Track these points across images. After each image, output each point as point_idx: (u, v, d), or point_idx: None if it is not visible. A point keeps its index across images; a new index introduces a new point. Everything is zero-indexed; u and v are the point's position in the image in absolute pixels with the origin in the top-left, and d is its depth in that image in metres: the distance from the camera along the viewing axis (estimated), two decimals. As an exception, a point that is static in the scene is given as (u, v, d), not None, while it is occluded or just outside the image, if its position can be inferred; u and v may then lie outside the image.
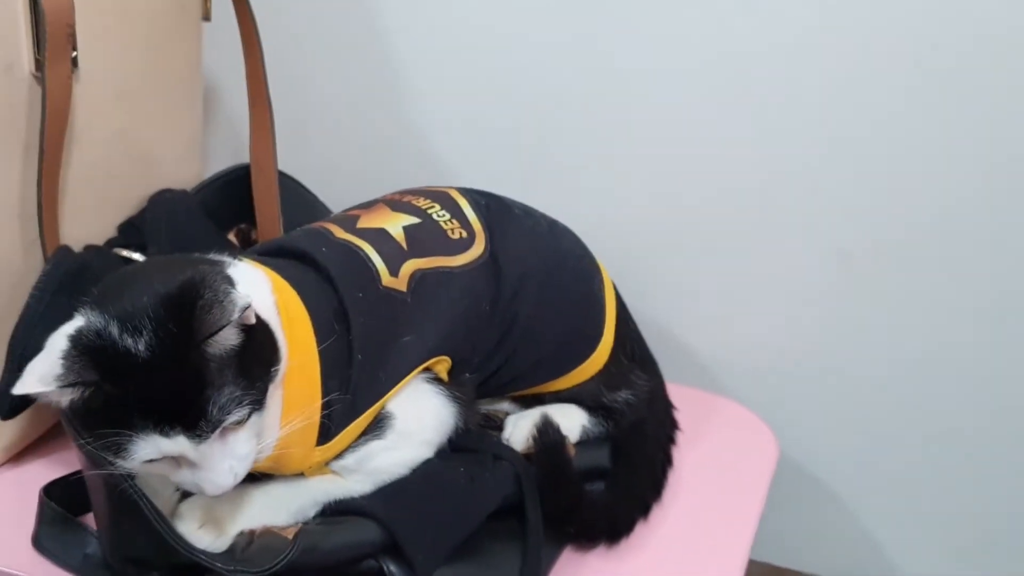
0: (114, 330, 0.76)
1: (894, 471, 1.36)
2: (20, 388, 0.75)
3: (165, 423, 0.75)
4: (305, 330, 0.88)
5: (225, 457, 0.79)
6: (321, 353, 0.88)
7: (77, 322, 0.79)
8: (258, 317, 0.81)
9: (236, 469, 0.80)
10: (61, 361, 0.76)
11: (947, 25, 1.13)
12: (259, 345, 0.81)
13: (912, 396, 1.32)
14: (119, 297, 0.79)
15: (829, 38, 1.18)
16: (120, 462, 0.78)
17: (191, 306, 0.77)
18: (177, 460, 0.79)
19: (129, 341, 0.76)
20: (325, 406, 0.88)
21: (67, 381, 0.75)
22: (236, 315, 0.76)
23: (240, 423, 0.79)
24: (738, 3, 1.20)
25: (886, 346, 1.30)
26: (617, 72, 1.28)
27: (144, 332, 0.76)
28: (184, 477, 0.80)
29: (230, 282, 0.81)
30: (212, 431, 0.77)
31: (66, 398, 0.76)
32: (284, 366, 0.84)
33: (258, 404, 0.80)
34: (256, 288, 0.85)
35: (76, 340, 0.77)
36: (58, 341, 0.78)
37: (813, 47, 1.19)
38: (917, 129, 1.19)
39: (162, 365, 0.76)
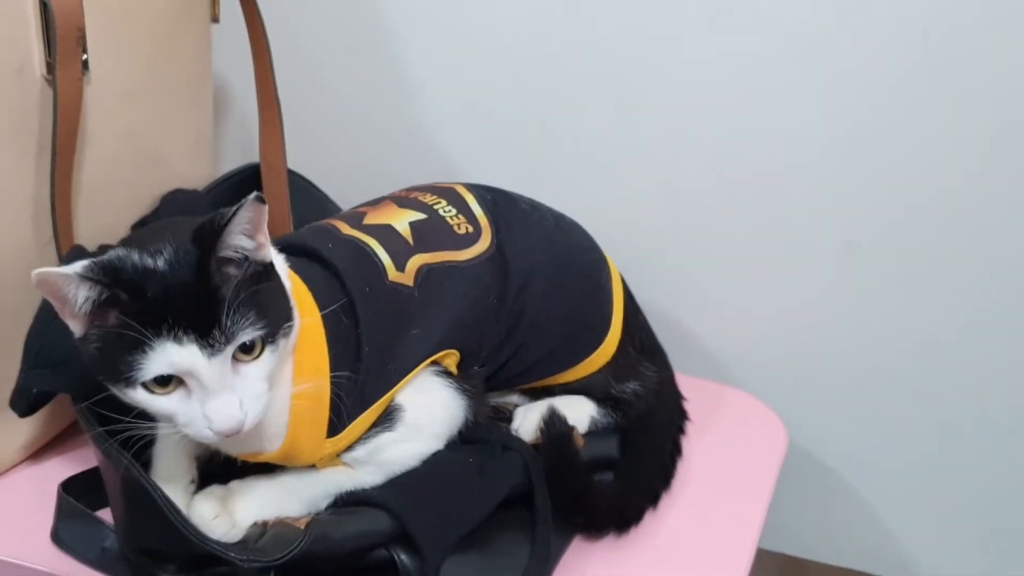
0: (134, 255, 0.79)
1: (905, 460, 1.36)
2: (45, 269, 0.76)
3: (179, 328, 0.76)
4: (314, 319, 0.90)
5: (237, 387, 0.80)
6: (329, 343, 0.90)
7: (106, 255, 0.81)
8: (274, 269, 0.84)
9: (247, 406, 0.80)
10: (83, 263, 0.78)
11: (955, 14, 1.14)
12: (275, 292, 0.83)
13: (923, 385, 1.32)
14: (142, 237, 0.83)
15: (835, 29, 1.19)
16: (129, 391, 0.79)
17: (211, 222, 0.79)
18: (187, 390, 0.79)
19: (148, 260, 0.79)
20: (335, 397, 0.90)
21: (89, 275, 0.76)
22: (247, 201, 0.78)
23: (254, 353, 0.80)
24: (744, 9, 1.21)
25: (896, 334, 1.30)
26: (623, 66, 1.29)
27: (164, 252, 0.79)
28: (192, 411, 0.79)
29: None
30: (226, 344, 0.78)
31: (84, 300, 0.77)
32: (297, 326, 0.86)
33: (271, 338, 0.81)
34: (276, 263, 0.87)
35: (97, 261, 0.79)
36: (83, 260, 0.80)
37: (819, 39, 1.20)
38: (924, 119, 1.19)
39: (180, 275, 0.78)
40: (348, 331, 0.92)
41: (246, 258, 0.81)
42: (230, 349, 0.79)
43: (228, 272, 0.80)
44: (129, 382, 0.78)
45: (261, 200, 0.79)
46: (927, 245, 1.25)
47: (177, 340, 0.77)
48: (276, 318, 0.82)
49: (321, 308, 0.90)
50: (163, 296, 0.77)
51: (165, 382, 0.78)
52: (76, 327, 0.80)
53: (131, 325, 0.76)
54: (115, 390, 0.80)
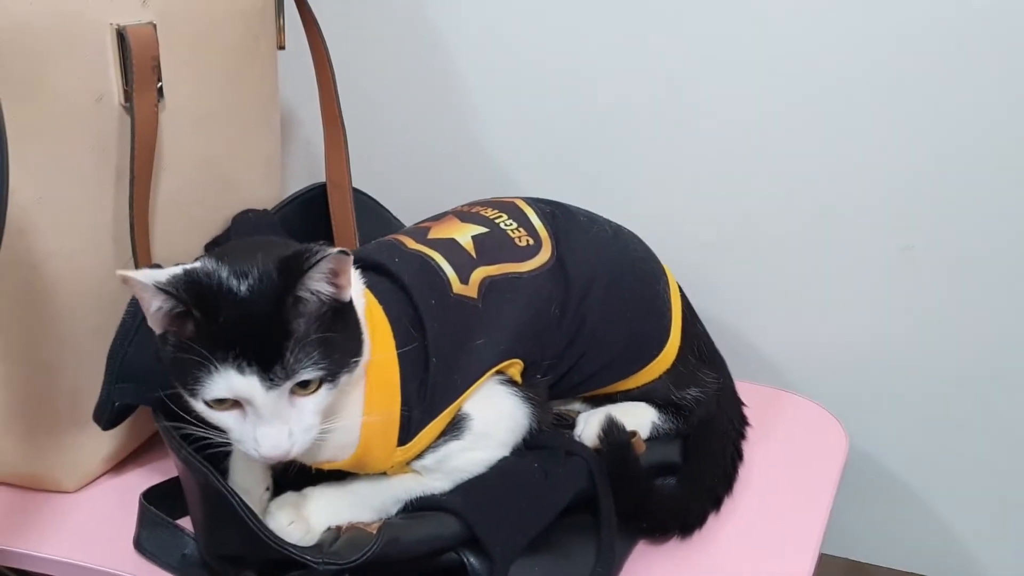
0: (223, 272, 0.82)
1: (968, 463, 1.35)
2: (128, 271, 0.79)
3: (243, 358, 0.79)
4: (385, 334, 0.92)
5: (289, 419, 0.82)
6: (400, 357, 0.92)
7: (196, 263, 0.84)
8: (352, 306, 0.86)
9: (295, 436, 0.82)
10: (170, 275, 0.81)
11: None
12: (346, 329, 0.85)
13: (985, 388, 1.31)
14: (236, 252, 0.84)
15: (889, 35, 1.19)
16: (192, 400, 0.82)
17: (297, 258, 0.81)
18: (243, 412, 0.82)
19: (233, 282, 0.81)
20: (404, 407, 0.92)
21: (165, 288, 0.80)
22: (332, 254, 0.80)
23: (311, 388, 0.83)
24: (792, 19, 1.22)
25: (956, 337, 1.30)
26: (677, 77, 1.30)
27: (249, 277, 0.81)
28: (245, 432, 0.82)
29: None
30: (285, 379, 0.80)
31: (157, 308, 0.81)
32: (364, 362, 0.88)
33: (331, 378, 0.83)
34: (353, 289, 0.89)
35: (188, 271, 0.82)
36: (176, 268, 0.83)
37: (874, 46, 1.20)
38: (982, 122, 1.19)
39: (256, 306, 0.81)
40: (417, 344, 0.94)
41: (326, 299, 0.83)
42: (288, 385, 0.81)
43: (303, 310, 0.82)
44: (192, 393, 0.82)
45: (345, 253, 0.81)
46: (985, 248, 1.24)
47: (240, 369, 0.79)
48: (341, 359, 0.84)
49: (394, 328, 0.93)
50: (234, 323, 0.80)
51: (223, 400, 0.82)
52: (155, 326, 0.83)
53: (199, 346, 0.79)
54: (180, 391, 0.84)
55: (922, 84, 1.20)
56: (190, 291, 0.81)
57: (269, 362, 0.80)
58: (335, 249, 0.81)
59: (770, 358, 1.40)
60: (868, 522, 1.43)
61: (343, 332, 0.85)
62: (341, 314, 0.85)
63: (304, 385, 0.82)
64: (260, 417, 0.82)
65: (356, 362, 0.86)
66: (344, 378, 0.85)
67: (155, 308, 0.81)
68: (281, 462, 0.89)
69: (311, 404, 0.83)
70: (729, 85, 1.28)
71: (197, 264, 0.83)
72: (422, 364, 0.94)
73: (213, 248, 1.16)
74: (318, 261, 0.80)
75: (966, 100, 1.19)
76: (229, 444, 0.87)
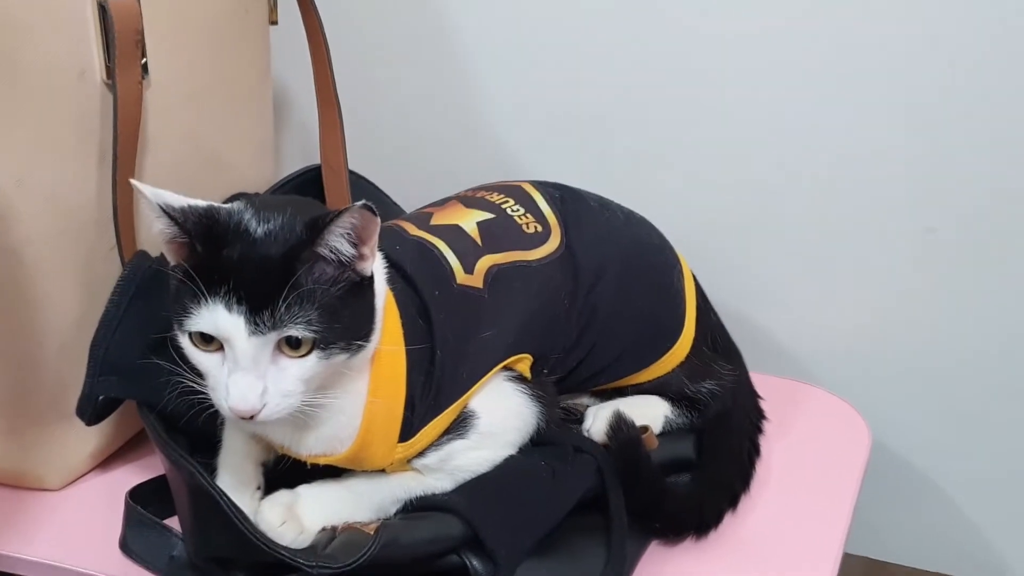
0: (247, 214, 0.80)
1: (994, 458, 1.33)
2: (139, 184, 0.79)
3: (234, 295, 0.77)
4: (395, 326, 0.89)
5: (266, 375, 0.79)
6: (408, 352, 0.89)
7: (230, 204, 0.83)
8: (371, 286, 0.84)
9: (268, 396, 0.79)
10: (186, 204, 0.80)
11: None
12: (359, 307, 0.83)
13: (1011, 379, 1.29)
14: (272, 202, 0.83)
15: (907, 17, 1.17)
16: (179, 334, 0.80)
17: (322, 218, 0.79)
18: (223, 356, 0.79)
19: (253, 224, 0.80)
20: (408, 402, 0.89)
21: (170, 212, 0.79)
22: (356, 207, 0.77)
23: (300, 351, 0.79)
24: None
25: (981, 326, 1.28)
26: (691, 59, 1.28)
27: (271, 222, 0.80)
28: (219, 379, 0.80)
29: None
30: (270, 329, 0.77)
31: (159, 231, 0.80)
32: (370, 348, 0.84)
33: (324, 345, 0.79)
34: (376, 275, 0.86)
35: (211, 206, 0.82)
36: (202, 201, 0.82)
37: (893, 27, 1.18)
38: (1003, 103, 1.17)
39: (267, 248, 0.79)
40: (423, 335, 0.91)
41: (343, 264, 0.80)
42: (274, 336, 0.78)
43: (315, 267, 0.79)
44: (180, 325, 0.80)
45: (371, 210, 0.78)
46: (1011, 232, 1.22)
47: (228, 307, 0.77)
48: (342, 331, 0.80)
49: (403, 317, 0.90)
50: (237, 259, 0.78)
51: (208, 340, 0.79)
52: (169, 255, 0.82)
53: (194, 276, 0.77)
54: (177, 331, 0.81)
55: (944, 66, 1.18)
56: (200, 224, 0.79)
57: (260, 307, 0.77)
58: (357, 204, 0.78)
59: (788, 349, 1.38)
60: (889, 519, 1.41)
61: (354, 308, 0.82)
62: (358, 290, 0.82)
63: (295, 345, 0.79)
64: (236, 364, 0.78)
65: (359, 345, 0.83)
66: (340, 356, 0.81)
67: (158, 230, 0.80)
68: (284, 447, 0.89)
69: (295, 369, 0.80)
70: (744, 63, 1.26)
71: (230, 204, 0.82)
72: (427, 357, 0.91)
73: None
74: (341, 212, 0.77)
75: (990, 82, 1.17)
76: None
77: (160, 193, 0.79)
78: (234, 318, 0.77)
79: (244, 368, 0.78)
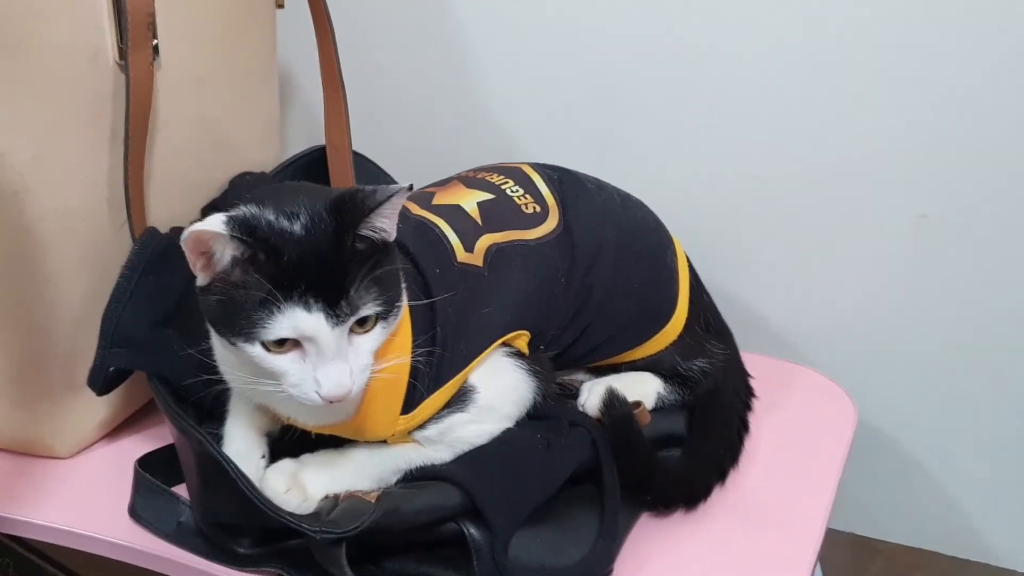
0: (268, 214, 0.81)
1: (979, 437, 1.34)
2: (198, 225, 0.78)
3: (309, 295, 0.78)
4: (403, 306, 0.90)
5: (348, 358, 0.81)
6: (412, 319, 0.91)
7: (233, 211, 0.82)
8: (395, 248, 0.86)
9: (355, 376, 0.81)
10: (223, 220, 0.80)
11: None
12: (392, 273, 0.85)
13: (996, 360, 1.30)
14: (273, 196, 0.84)
15: (902, 5, 1.18)
16: (246, 345, 0.80)
17: (350, 199, 0.81)
18: (302, 353, 0.81)
19: (284, 222, 0.81)
20: (411, 375, 0.91)
21: (236, 234, 0.78)
22: (403, 190, 0.81)
23: (367, 326, 0.82)
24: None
25: (968, 309, 1.28)
26: (686, 45, 1.28)
27: (300, 217, 0.81)
28: (304, 374, 0.81)
29: None
30: (350, 314, 0.80)
31: (230, 256, 0.79)
32: (403, 308, 0.87)
33: (386, 315, 0.83)
34: None
35: (233, 217, 0.81)
36: (218, 216, 0.81)
37: (888, 14, 1.19)
38: (994, 89, 1.17)
39: (315, 243, 0.80)
40: (424, 311, 0.92)
41: (383, 237, 0.83)
42: (352, 320, 0.80)
43: (361, 248, 0.82)
44: (249, 338, 0.80)
45: (411, 188, 0.82)
46: (1001, 218, 1.23)
47: (306, 306, 0.79)
48: (393, 297, 0.84)
49: (411, 315, 0.92)
50: (298, 261, 0.79)
51: (282, 342, 0.80)
52: (202, 278, 0.82)
53: (264, 285, 0.78)
54: (230, 341, 0.82)
55: (938, 53, 1.18)
56: (249, 234, 0.80)
57: (334, 298, 0.79)
58: (401, 186, 0.82)
59: (778, 330, 1.39)
60: (875, 496, 1.42)
61: (391, 272, 0.85)
62: (389, 254, 0.85)
63: (362, 323, 0.82)
64: (322, 356, 0.80)
65: (399, 306, 0.86)
66: (393, 321, 0.84)
67: (227, 260, 0.80)
68: (289, 417, 0.91)
69: (367, 343, 0.83)
70: (741, 48, 1.26)
71: (236, 212, 0.82)
72: (429, 333, 0.92)
73: (211, 211, 1.15)
74: (389, 198, 0.81)
75: (980, 67, 1.17)
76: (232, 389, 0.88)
77: (217, 225, 0.79)
78: (315, 316, 0.79)
79: (331, 358, 0.80)
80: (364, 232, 0.81)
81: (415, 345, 0.90)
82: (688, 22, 1.27)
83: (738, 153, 1.31)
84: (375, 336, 0.83)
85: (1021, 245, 1.23)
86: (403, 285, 0.87)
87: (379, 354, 0.86)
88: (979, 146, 1.20)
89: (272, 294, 0.78)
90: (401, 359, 0.88)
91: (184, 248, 0.80)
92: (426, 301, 0.92)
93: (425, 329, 0.92)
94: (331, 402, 0.81)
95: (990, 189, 1.22)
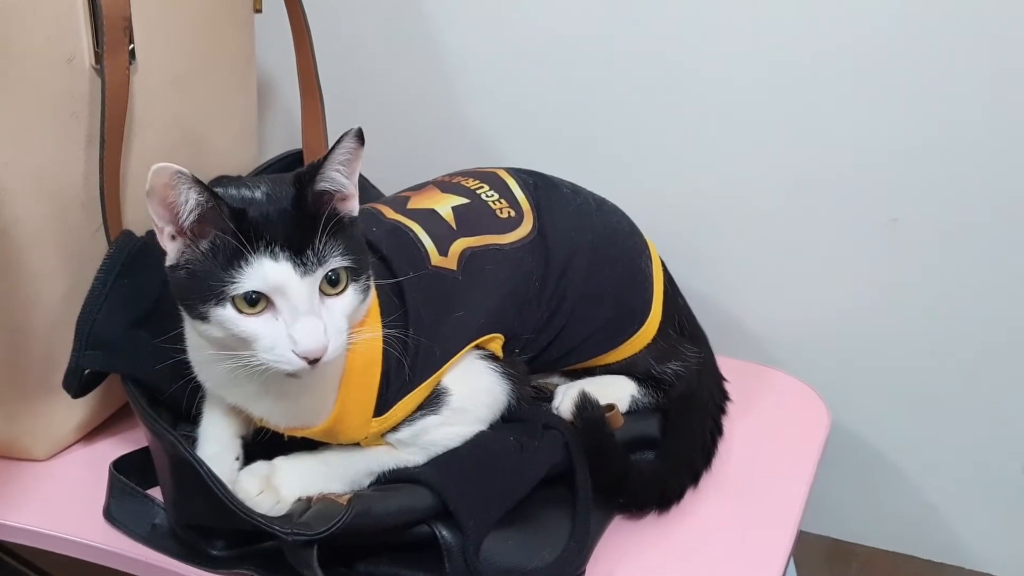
0: (231, 189, 0.85)
1: (952, 441, 1.35)
2: (172, 165, 0.80)
3: (275, 244, 0.80)
4: (372, 300, 0.91)
5: (322, 315, 0.82)
6: (384, 326, 0.91)
7: None
8: (358, 225, 0.88)
9: (330, 334, 0.81)
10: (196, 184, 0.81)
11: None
12: (360, 241, 0.87)
13: (969, 363, 1.30)
14: (230, 182, 0.87)
15: (872, 12, 1.18)
16: (216, 310, 0.81)
17: (309, 168, 0.84)
18: (274, 312, 0.81)
19: (247, 191, 0.84)
20: (383, 377, 0.91)
21: (199, 180, 0.80)
22: (349, 134, 0.83)
23: (338, 287, 0.83)
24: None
25: (941, 312, 1.29)
26: (665, 50, 1.29)
27: (261, 187, 0.85)
28: (278, 333, 0.81)
29: None
30: (317, 265, 0.81)
31: (195, 201, 0.81)
32: (371, 296, 0.88)
33: (356, 276, 0.84)
34: None
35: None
36: None
37: (858, 22, 1.19)
38: (965, 96, 1.18)
39: (278, 203, 0.83)
40: (398, 313, 0.93)
41: (341, 195, 0.85)
42: (321, 272, 0.81)
43: (325, 200, 0.84)
44: (220, 299, 0.80)
45: (360, 137, 0.83)
46: (970, 221, 1.24)
47: (273, 256, 0.80)
48: (362, 261, 0.85)
49: (383, 310, 0.92)
50: (262, 217, 0.82)
51: (254, 303, 0.80)
52: (171, 250, 0.83)
53: (230, 239, 0.80)
54: (201, 314, 0.82)
55: (908, 59, 1.19)
56: (221, 193, 0.83)
57: (301, 248, 0.81)
58: (353, 129, 0.84)
59: (752, 333, 1.39)
60: (850, 500, 1.43)
61: (358, 242, 0.86)
62: (353, 226, 0.86)
63: (332, 283, 0.83)
64: (295, 311, 0.81)
65: (369, 278, 0.87)
66: (362, 290, 0.85)
67: (190, 208, 0.81)
68: (262, 419, 0.91)
69: (340, 304, 0.84)
70: (715, 56, 1.27)
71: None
72: (402, 335, 0.93)
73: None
74: (336, 144, 0.83)
75: (949, 73, 1.18)
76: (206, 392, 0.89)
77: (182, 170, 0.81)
78: (282, 266, 0.80)
79: (305, 311, 0.81)
80: (322, 187, 0.83)
81: (385, 323, 0.91)
82: (665, 30, 1.28)
83: (712, 159, 1.32)
84: (348, 298, 0.84)
85: (989, 247, 1.24)
86: (369, 260, 0.88)
87: (348, 365, 0.87)
88: (947, 151, 1.21)
89: (241, 244, 0.79)
90: (373, 334, 0.89)
91: (151, 209, 0.82)
92: (392, 280, 0.94)
93: (398, 335, 0.92)
94: (309, 361, 0.81)
95: (958, 192, 1.23)
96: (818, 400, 1.23)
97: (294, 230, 0.81)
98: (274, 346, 0.81)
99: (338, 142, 0.83)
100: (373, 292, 0.89)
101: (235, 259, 0.80)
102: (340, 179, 0.84)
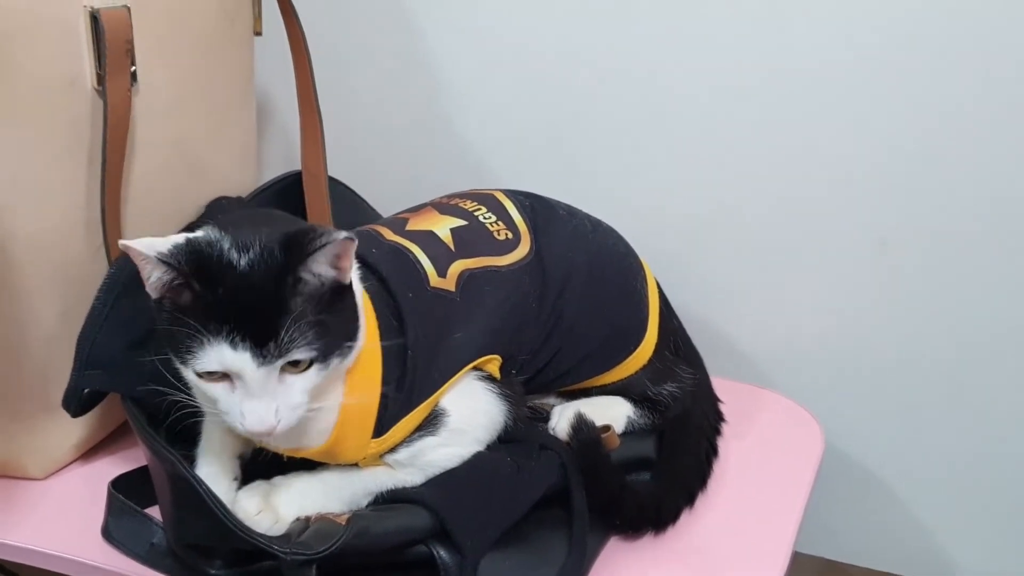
0: (225, 244, 0.82)
1: (946, 462, 1.35)
2: (129, 241, 0.80)
3: (237, 333, 0.79)
4: (372, 324, 0.92)
5: (277, 395, 0.82)
6: (383, 349, 0.92)
7: (199, 232, 0.84)
8: (351, 289, 0.86)
9: (281, 414, 0.82)
10: (172, 245, 0.82)
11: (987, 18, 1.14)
12: (343, 312, 0.86)
13: (962, 385, 1.31)
14: (241, 222, 0.85)
15: (863, 32, 1.19)
16: (183, 368, 0.83)
17: (302, 238, 0.81)
18: (232, 384, 0.82)
19: (234, 255, 0.82)
20: (382, 399, 0.92)
21: (166, 259, 0.80)
22: (339, 239, 0.80)
23: (301, 367, 0.82)
24: (770, 6, 1.22)
25: (933, 334, 1.30)
26: (654, 75, 1.30)
27: (251, 251, 0.82)
28: (232, 404, 0.82)
29: None
30: (277, 357, 0.80)
31: (156, 279, 0.81)
32: (358, 347, 0.88)
33: (323, 359, 0.83)
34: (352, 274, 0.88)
35: (190, 240, 0.83)
36: (178, 236, 0.84)
37: (848, 42, 1.20)
38: (955, 118, 1.19)
39: (255, 281, 0.81)
40: (397, 334, 0.93)
41: (327, 282, 0.83)
42: (280, 362, 0.81)
43: (302, 290, 0.82)
44: (184, 362, 0.82)
45: (351, 239, 0.81)
46: (961, 243, 1.24)
47: (232, 344, 0.80)
48: (334, 341, 0.84)
49: (379, 318, 0.93)
50: (231, 297, 0.80)
51: (213, 372, 0.82)
52: (152, 292, 0.83)
53: (192, 318, 0.80)
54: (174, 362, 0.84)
55: (899, 80, 1.20)
56: (191, 262, 0.81)
57: (263, 339, 0.80)
58: (342, 234, 0.81)
59: (746, 354, 1.40)
60: (844, 520, 1.43)
61: (340, 315, 0.85)
62: (340, 296, 0.85)
63: (295, 364, 0.82)
64: (248, 392, 0.81)
65: (350, 347, 0.86)
66: (335, 361, 0.85)
67: (154, 279, 0.82)
68: (261, 440, 0.90)
69: (300, 383, 0.83)
70: (709, 77, 1.28)
71: (200, 233, 0.84)
72: (401, 356, 0.93)
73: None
74: (324, 245, 0.81)
75: (940, 96, 1.19)
76: (197, 408, 0.88)
77: (151, 243, 0.81)
78: (240, 354, 0.80)
79: (256, 395, 0.81)
80: (305, 276, 0.82)
81: (387, 376, 0.92)
82: (655, 50, 1.29)
83: (705, 180, 1.33)
84: (309, 377, 0.83)
85: (978, 268, 1.25)
86: (360, 325, 0.88)
87: (347, 390, 0.88)
88: (936, 172, 1.22)
89: (200, 329, 0.79)
90: (366, 397, 0.90)
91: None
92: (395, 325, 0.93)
93: (398, 354, 0.93)
94: (256, 436, 0.84)
95: (947, 213, 1.23)
96: (812, 421, 1.24)
97: (261, 319, 0.80)
98: (228, 412, 0.83)
99: (325, 244, 0.81)
100: (366, 313, 0.90)
101: (196, 337, 0.80)
102: (326, 271, 0.83)
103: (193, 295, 0.81)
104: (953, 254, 1.25)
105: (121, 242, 0.80)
